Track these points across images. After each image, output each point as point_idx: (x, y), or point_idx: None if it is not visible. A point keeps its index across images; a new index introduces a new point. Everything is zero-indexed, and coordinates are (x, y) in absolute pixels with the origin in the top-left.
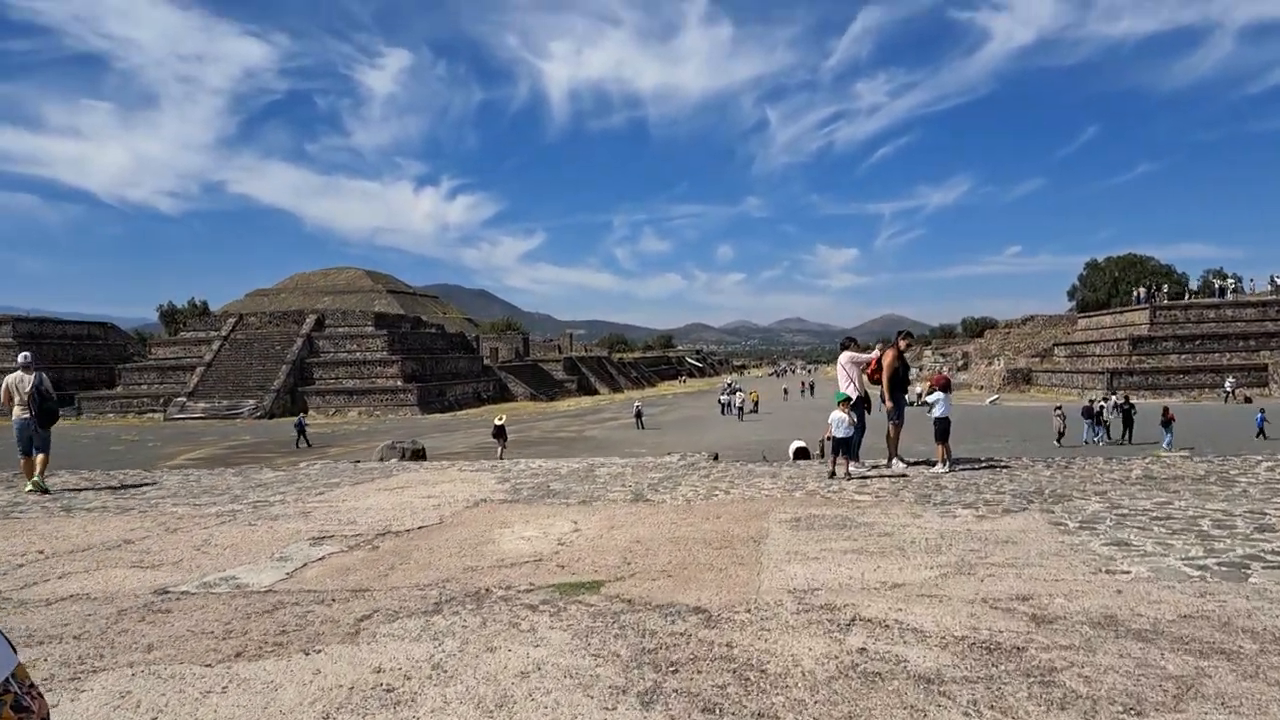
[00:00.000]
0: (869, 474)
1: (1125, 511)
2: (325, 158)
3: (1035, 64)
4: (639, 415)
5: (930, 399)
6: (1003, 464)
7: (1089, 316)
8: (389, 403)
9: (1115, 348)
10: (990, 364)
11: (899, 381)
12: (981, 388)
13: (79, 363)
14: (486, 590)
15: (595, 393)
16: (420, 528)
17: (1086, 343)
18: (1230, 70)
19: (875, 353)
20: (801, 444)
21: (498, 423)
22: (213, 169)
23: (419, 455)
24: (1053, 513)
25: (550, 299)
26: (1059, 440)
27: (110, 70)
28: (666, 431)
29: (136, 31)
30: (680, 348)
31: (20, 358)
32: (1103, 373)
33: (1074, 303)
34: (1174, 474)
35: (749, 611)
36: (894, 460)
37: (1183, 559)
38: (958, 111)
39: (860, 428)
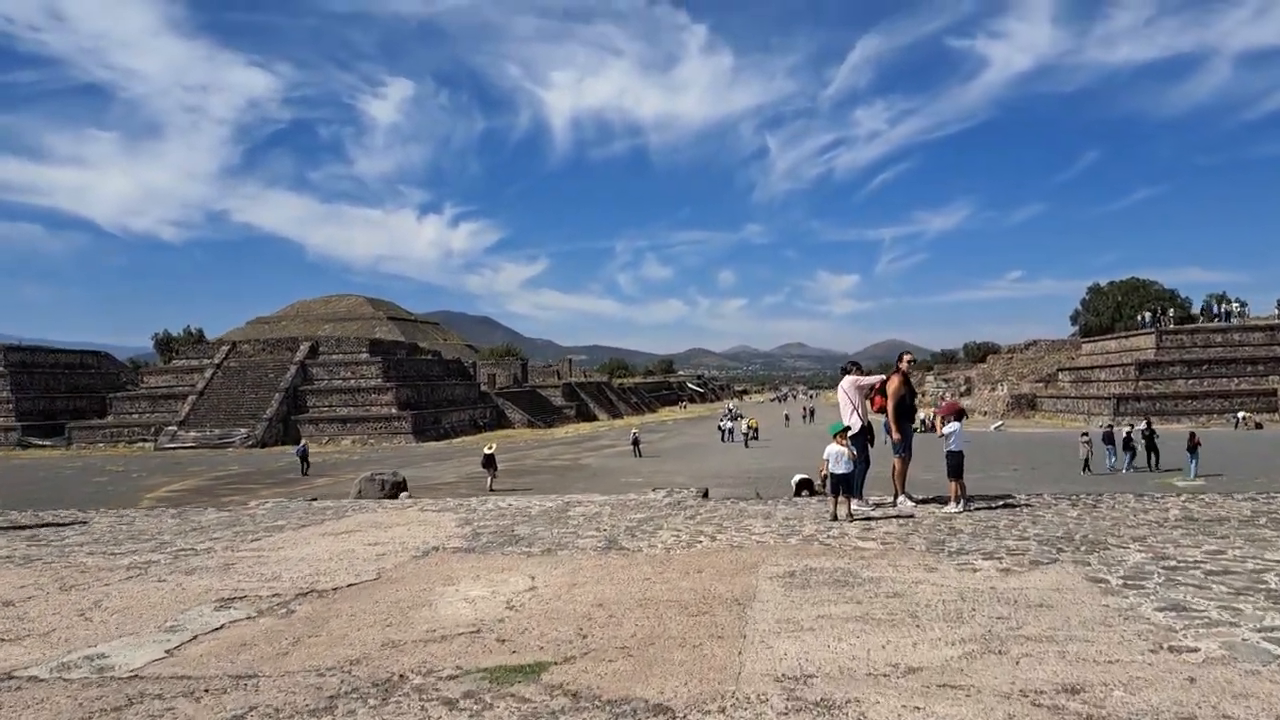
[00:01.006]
0: (873, 514)
1: (1174, 563)
2: (328, 186)
3: (1034, 90)
4: (636, 443)
5: (947, 430)
6: (1022, 502)
7: (1094, 341)
8: (383, 430)
9: (1121, 373)
10: (994, 389)
11: (905, 410)
12: (985, 413)
13: (71, 392)
14: (401, 677)
15: (594, 419)
16: (351, 585)
17: (1092, 368)
18: (1228, 96)
19: (879, 377)
20: (804, 476)
21: (487, 452)
22: (216, 198)
23: (399, 488)
24: (1088, 565)
25: (553, 325)
26: (1086, 468)
27: (115, 100)
28: (665, 459)
29: (141, 62)
30: (681, 373)
31: None
32: (1109, 398)
33: (1077, 327)
34: (1217, 514)
35: (723, 713)
36: (900, 498)
37: (1259, 630)
38: (957, 138)
39: (863, 461)
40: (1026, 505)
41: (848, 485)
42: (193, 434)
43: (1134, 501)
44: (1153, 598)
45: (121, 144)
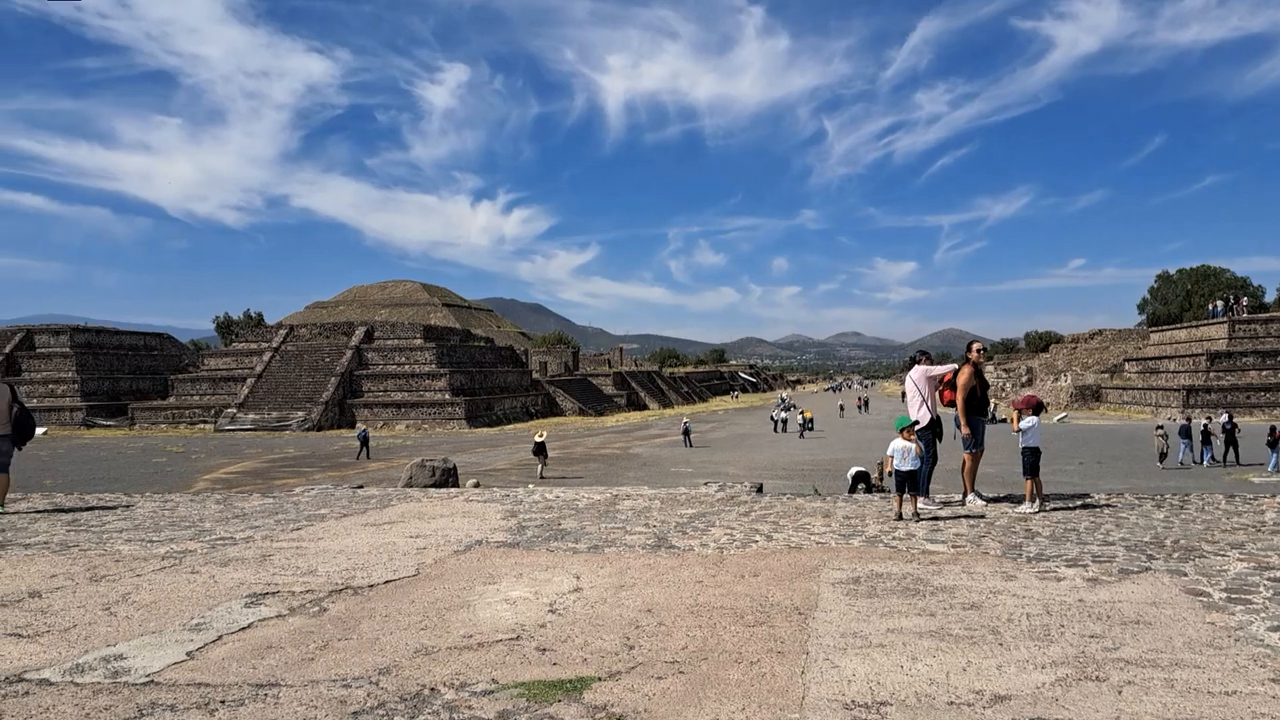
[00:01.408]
0: (941, 513)
1: None
2: (384, 171)
3: (1100, 73)
4: (686, 433)
5: (1024, 425)
6: (1101, 502)
7: (1162, 331)
8: (436, 416)
9: (1191, 363)
10: (1056, 380)
11: (976, 402)
12: (1048, 405)
13: (134, 373)
14: (431, 690)
15: (645, 408)
16: (388, 582)
17: (1160, 358)
18: None
19: (950, 367)
20: (860, 468)
21: (538, 439)
22: (276, 183)
23: (449, 475)
24: (1184, 575)
25: (603, 313)
26: (1161, 461)
27: (180, 87)
28: (715, 450)
29: (206, 49)
30: (733, 362)
31: None
32: (1178, 389)
33: (1144, 316)
34: None
35: None
36: (970, 496)
37: None
38: (1020, 121)
39: (930, 457)
40: (1107, 505)
41: (914, 483)
42: (251, 416)
43: (1225, 503)
44: (1263, 615)
45: (186, 130)
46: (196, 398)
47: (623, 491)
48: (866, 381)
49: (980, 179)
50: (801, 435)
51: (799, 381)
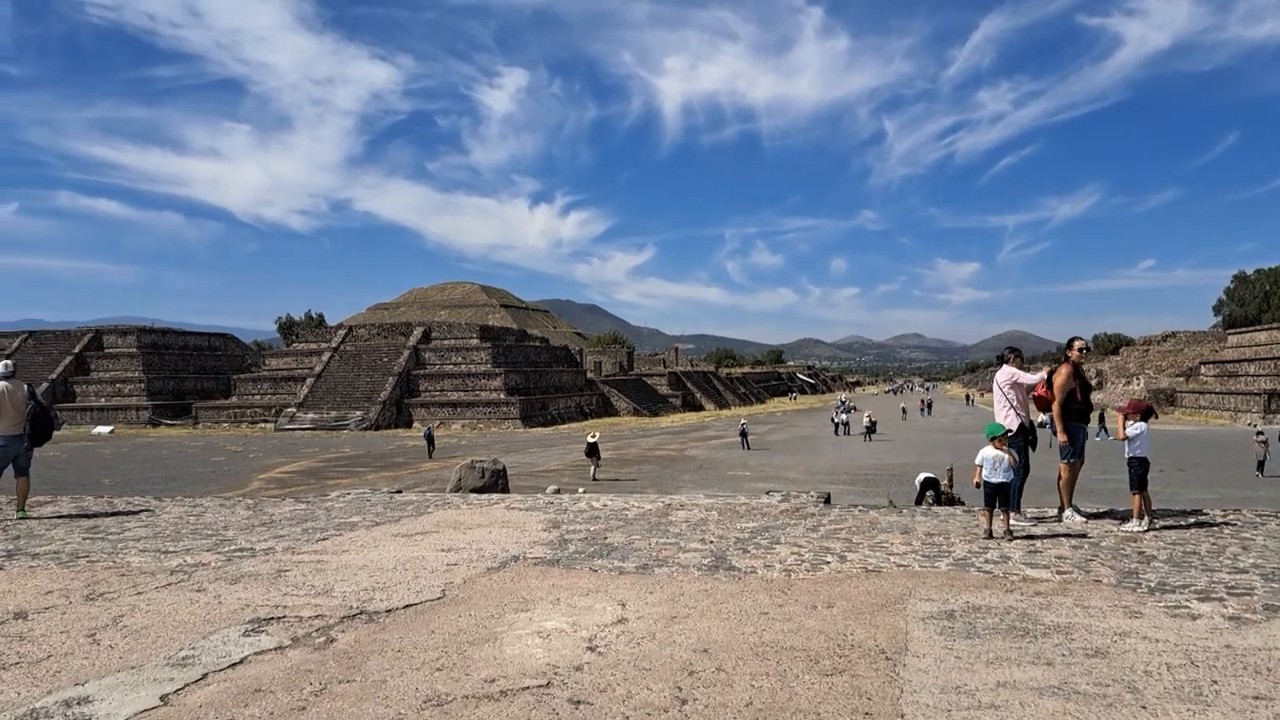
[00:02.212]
0: (1035, 531)
1: None
2: (445, 175)
3: (1170, 69)
4: (744, 435)
5: (1132, 432)
6: (1219, 519)
7: (1241, 333)
8: (492, 416)
9: (1273, 366)
10: (1129, 383)
11: (1076, 407)
12: (1118, 410)
13: (198, 373)
14: None
15: (700, 408)
16: (409, 606)
17: (1239, 361)
18: None
19: (1043, 374)
20: (929, 474)
21: (591, 440)
22: (340, 187)
23: (499, 477)
24: None
25: (659, 313)
26: (1260, 470)
27: (248, 94)
28: (774, 453)
29: (273, 57)
30: (791, 363)
31: (0, 366)
32: (1259, 394)
33: (1220, 318)
34: None
35: None
36: (1067, 512)
37: None
38: (1086, 120)
39: (1022, 468)
40: (1225, 523)
41: (1004, 496)
42: (310, 416)
43: None
44: None
45: (254, 136)
46: (258, 397)
47: (676, 501)
48: (928, 384)
49: (1045, 179)
50: (867, 439)
51: (858, 383)
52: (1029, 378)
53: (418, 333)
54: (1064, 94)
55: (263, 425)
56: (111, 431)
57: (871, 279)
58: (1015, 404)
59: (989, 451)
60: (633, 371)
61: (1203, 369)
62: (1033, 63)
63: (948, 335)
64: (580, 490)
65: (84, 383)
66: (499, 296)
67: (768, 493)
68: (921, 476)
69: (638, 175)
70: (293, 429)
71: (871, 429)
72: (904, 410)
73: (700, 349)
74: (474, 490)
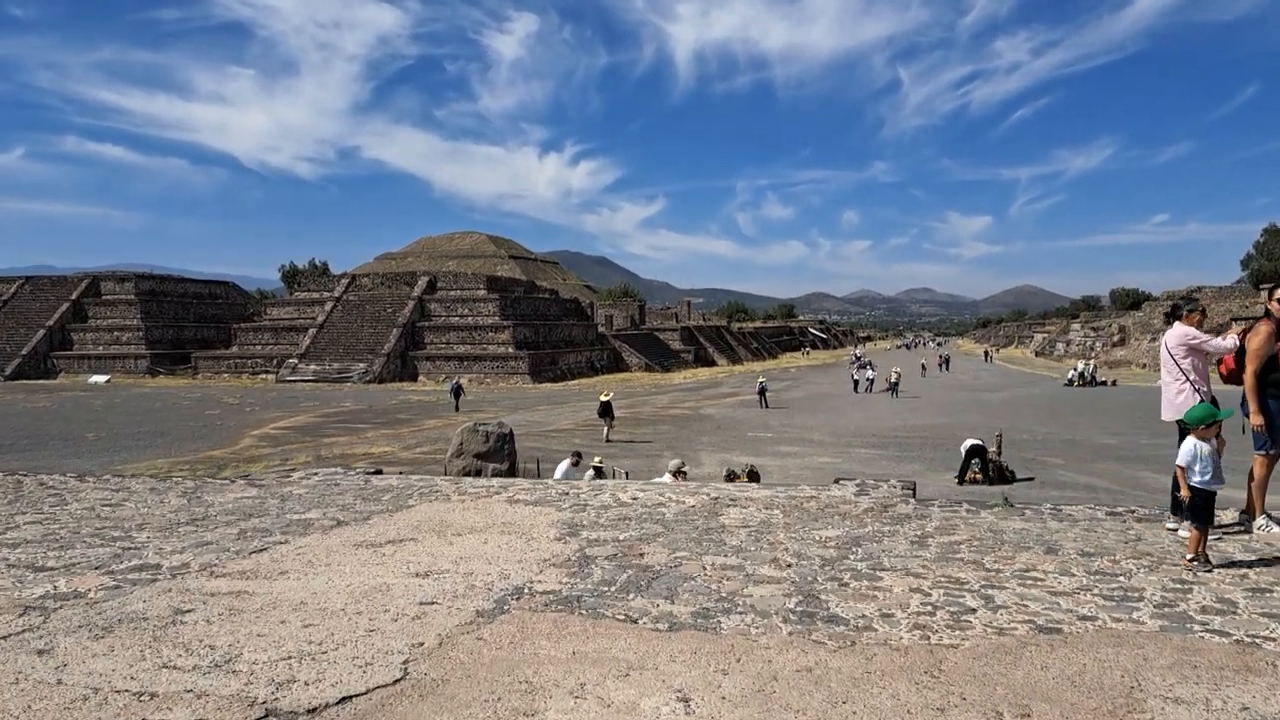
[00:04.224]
0: (1230, 550)
1: None
2: (453, 123)
3: (1189, 19)
4: (762, 393)
5: None
6: None
7: (1273, 288)
8: (500, 370)
9: None
10: (1153, 340)
11: (1278, 379)
12: (1144, 366)
13: (199, 321)
14: None
15: (713, 364)
16: (346, 700)
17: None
18: None
19: (1232, 337)
20: (975, 441)
21: (603, 399)
22: (347, 134)
23: (504, 442)
24: None
25: (669, 266)
26: None
27: (254, 38)
28: (794, 412)
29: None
30: (802, 317)
31: None
32: None
33: (1248, 273)
34: None
35: None
36: (1262, 521)
37: None
38: (1103, 70)
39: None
40: None
41: (1208, 506)
42: (312, 367)
43: None
44: None
45: (260, 81)
46: (259, 347)
47: (725, 493)
48: (939, 339)
49: (1060, 130)
50: (894, 396)
51: (869, 338)
52: (1217, 343)
53: (423, 283)
54: (1082, 43)
55: (264, 376)
56: (108, 381)
57: (883, 232)
58: (1194, 376)
59: (1194, 444)
60: (644, 326)
61: (1233, 325)
62: (1051, 10)
63: (958, 290)
64: (596, 459)
65: (81, 330)
66: (507, 247)
67: (838, 481)
68: (968, 443)
69: (649, 125)
70: (294, 380)
71: (895, 386)
72: (924, 366)
73: (711, 303)
74: (478, 455)
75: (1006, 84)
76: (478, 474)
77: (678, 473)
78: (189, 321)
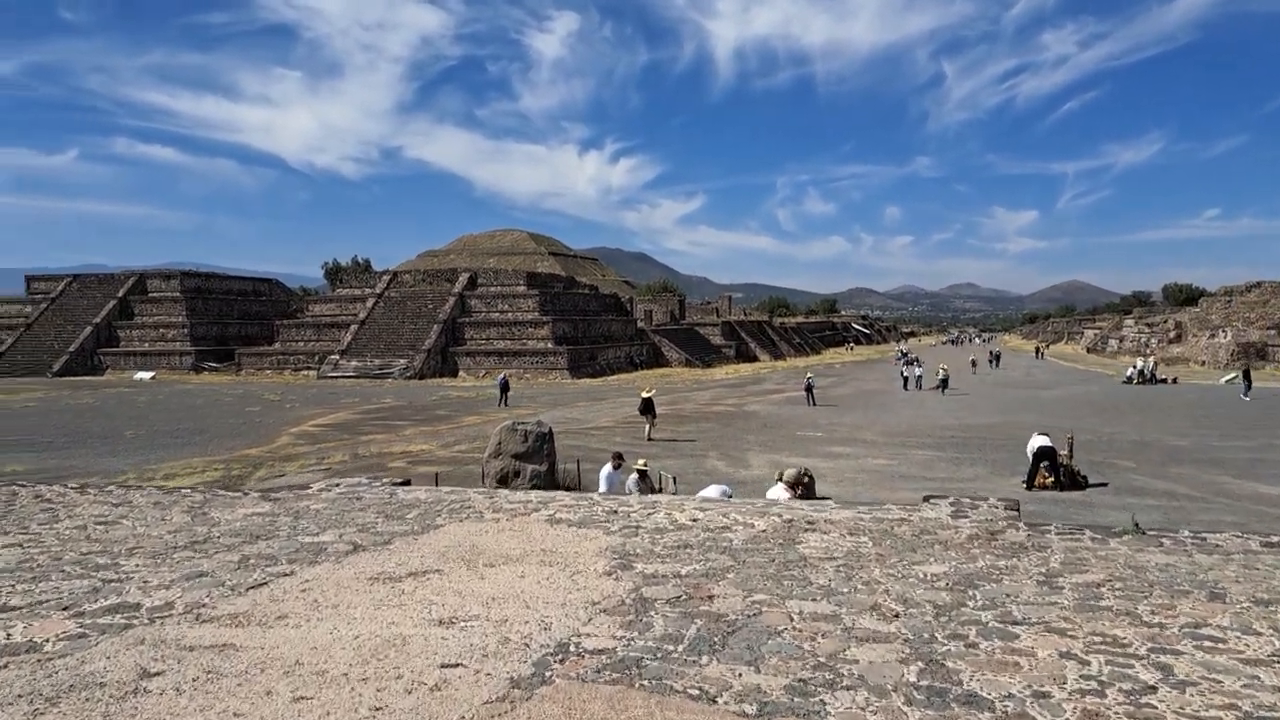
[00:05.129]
0: None
1: None
2: (494, 122)
3: (1243, 9)
4: (810, 389)
5: None
6: None
7: None
8: (539, 365)
9: None
10: (1213, 337)
11: None
12: (1203, 363)
13: (243, 318)
14: None
15: (755, 359)
16: None
17: None
18: None
19: None
20: (1043, 441)
21: (645, 396)
22: (391, 134)
23: (543, 442)
24: None
25: (708, 262)
26: None
27: (299, 40)
28: (842, 409)
29: (323, 2)
30: (844, 313)
31: None
32: None
33: None
34: None
35: None
36: None
37: None
38: (1153, 63)
39: None
40: None
41: None
42: (353, 363)
43: None
44: None
45: (305, 83)
46: (301, 344)
47: (800, 513)
48: (985, 334)
49: (1109, 124)
50: (942, 393)
51: (912, 333)
52: None
53: (463, 279)
54: (1131, 35)
55: (306, 372)
56: (153, 377)
57: (926, 227)
58: None
59: None
60: (684, 321)
61: None
62: (1100, 2)
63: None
64: (641, 462)
65: (127, 327)
66: (547, 244)
67: (928, 499)
68: (1035, 444)
69: (688, 121)
70: (335, 377)
71: (945, 383)
72: (973, 362)
73: (750, 298)
74: (516, 456)
75: (1053, 77)
76: (516, 475)
77: (796, 484)
78: (233, 318)
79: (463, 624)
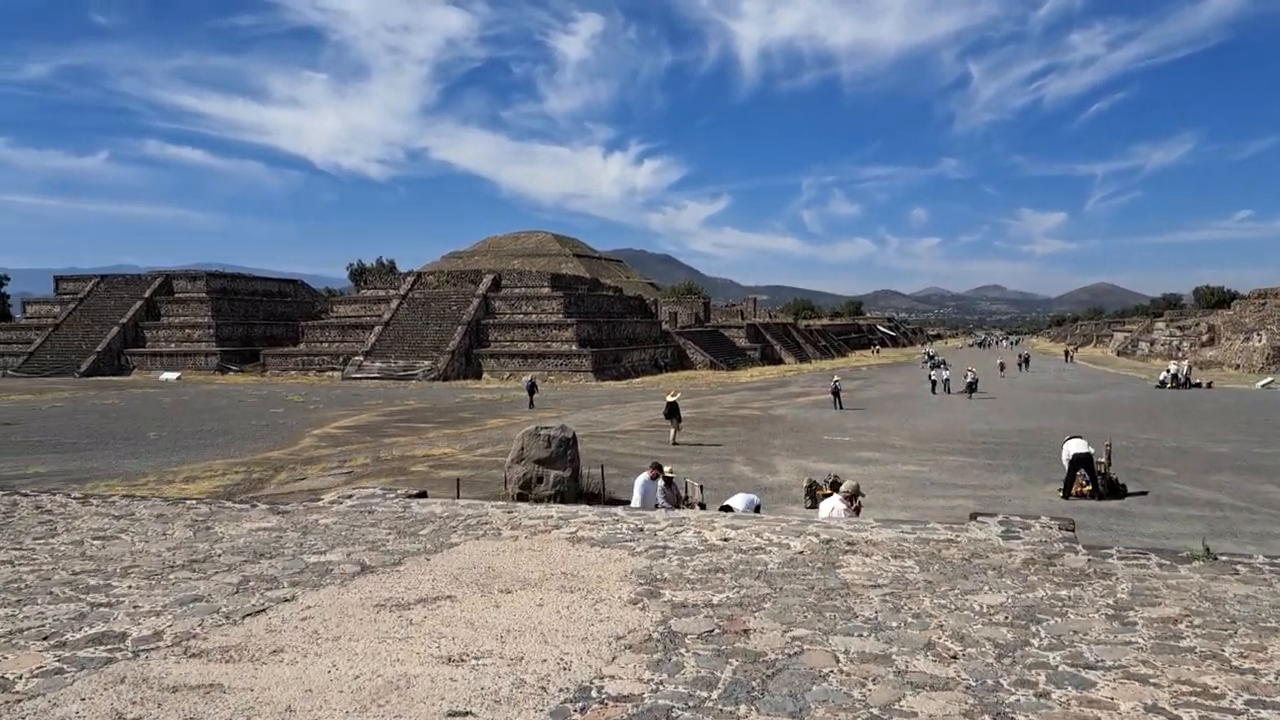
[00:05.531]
0: None
1: None
2: (519, 124)
3: (1275, 9)
4: (837, 393)
5: None
6: None
7: None
8: (563, 368)
9: None
10: (1247, 339)
11: None
12: (1238, 367)
13: (268, 319)
14: None
15: (780, 362)
16: None
17: None
18: None
19: None
20: (1081, 447)
21: (670, 399)
22: (416, 136)
23: (567, 447)
24: None
25: (733, 264)
26: None
27: (326, 43)
28: (870, 413)
29: (350, 4)
30: (870, 315)
31: None
32: None
33: None
34: None
35: None
36: None
37: None
38: (1183, 63)
39: None
40: None
41: None
42: (378, 365)
43: None
44: None
45: (332, 85)
46: (325, 345)
47: (838, 532)
48: (1013, 337)
49: (1139, 125)
50: (970, 396)
51: (939, 336)
52: None
53: (487, 280)
54: (1161, 36)
55: (330, 373)
56: (179, 378)
57: (952, 229)
58: None
59: None
60: (709, 323)
61: None
62: (1128, 2)
63: (1030, 288)
64: (667, 469)
65: (154, 328)
66: (572, 246)
67: (975, 517)
68: (1070, 450)
69: (713, 123)
70: (360, 378)
71: (974, 386)
72: (1001, 365)
73: (775, 300)
74: (539, 461)
75: (1082, 78)
76: (539, 481)
77: (853, 496)
78: (258, 319)
79: (474, 662)
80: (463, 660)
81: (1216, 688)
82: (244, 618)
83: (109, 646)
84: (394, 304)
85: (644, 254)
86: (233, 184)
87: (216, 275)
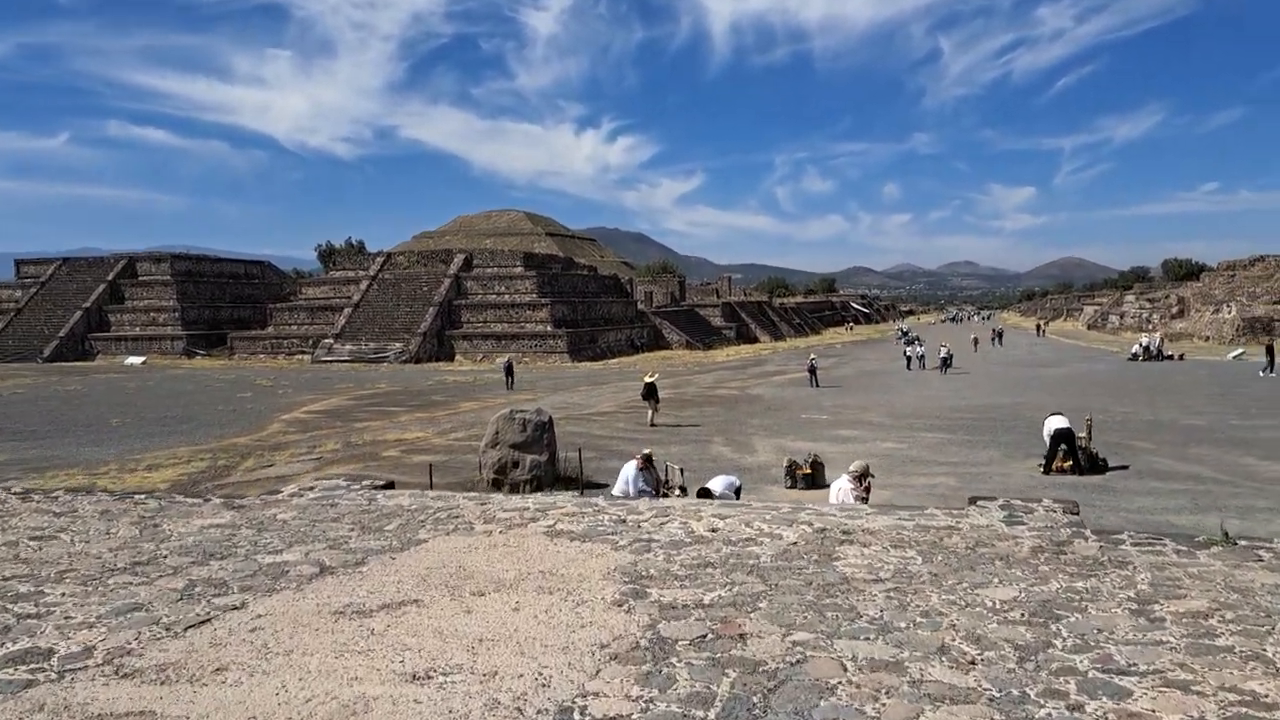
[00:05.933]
0: None
1: None
2: (490, 101)
3: None
4: (813, 371)
5: None
6: None
7: None
8: (538, 349)
9: None
10: (1217, 311)
11: None
12: (1207, 339)
13: (235, 301)
14: None
15: (755, 340)
16: None
17: None
18: None
19: None
20: (1061, 423)
21: (648, 381)
22: (384, 114)
23: (542, 431)
24: None
25: (707, 242)
26: None
27: (290, 20)
28: (846, 391)
29: None
30: (843, 292)
31: None
32: None
33: None
34: None
35: None
36: None
37: None
38: (1150, 35)
39: None
40: None
41: None
42: (348, 347)
43: None
44: None
45: (297, 62)
46: (294, 327)
47: (835, 522)
48: (985, 312)
49: (1106, 98)
50: (943, 371)
51: (911, 312)
52: None
53: (459, 260)
54: (1127, 8)
55: (299, 356)
56: (144, 362)
57: (923, 205)
58: None
59: None
60: (685, 302)
61: None
62: None
63: (1001, 263)
64: (646, 450)
65: (118, 312)
66: (545, 224)
67: (975, 503)
68: (1052, 426)
69: (686, 99)
70: (330, 361)
71: (948, 361)
72: (975, 340)
73: (749, 278)
74: (514, 445)
75: (1050, 51)
76: (515, 465)
77: (863, 476)
78: (225, 302)
79: (441, 679)
80: (429, 677)
81: (1267, 695)
82: (186, 629)
83: (31, 667)
84: (364, 285)
85: (618, 232)
86: (198, 164)
87: (181, 257)
